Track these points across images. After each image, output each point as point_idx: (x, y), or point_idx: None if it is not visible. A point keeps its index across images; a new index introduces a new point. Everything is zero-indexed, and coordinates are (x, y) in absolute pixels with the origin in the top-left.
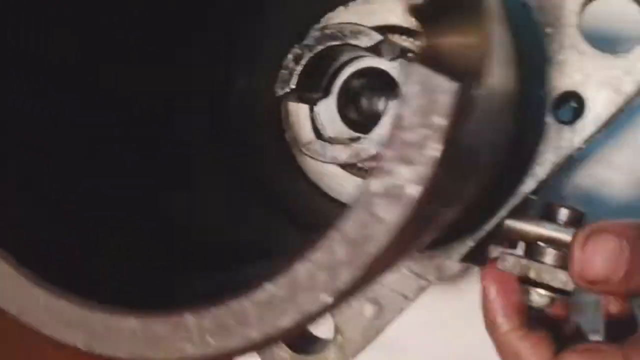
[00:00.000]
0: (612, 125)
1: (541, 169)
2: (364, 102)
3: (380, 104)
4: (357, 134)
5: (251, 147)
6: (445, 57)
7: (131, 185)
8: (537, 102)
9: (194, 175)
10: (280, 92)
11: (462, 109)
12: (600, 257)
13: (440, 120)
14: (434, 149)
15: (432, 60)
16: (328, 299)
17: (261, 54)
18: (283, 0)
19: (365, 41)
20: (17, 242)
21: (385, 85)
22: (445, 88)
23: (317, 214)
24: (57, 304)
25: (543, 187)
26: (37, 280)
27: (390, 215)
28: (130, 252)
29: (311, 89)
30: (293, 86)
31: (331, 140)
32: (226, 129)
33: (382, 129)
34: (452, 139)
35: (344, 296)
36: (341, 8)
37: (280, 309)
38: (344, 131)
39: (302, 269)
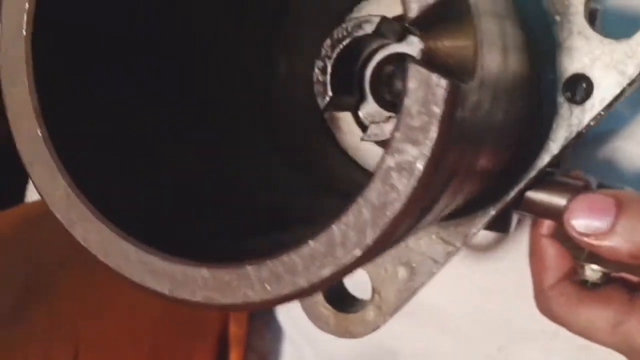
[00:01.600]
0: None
1: (555, 145)
2: (395, 84)
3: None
4: (390, 113)
5: (292, 126)
6: (440, 57)
7: (202, 158)
8: (549, 84)
9: (245, 150)
10: (322, 105)
11: (454, 99)
12: None
13: (437, 109)
14: (434, 131)
15: (429, 60)
16: (358, 253)
17: (300, 42)
18: None
19: (368, 28)
20: (117, 210)
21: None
22: (439, 83)
23: (353, 184)
24: (147, 258)
25: (557, 161)
26: (131, 240)
27: (403, 185)
28: (204, 216)
29: (346, 92)
30: (331, 94)
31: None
32: (269, 113)
33: None
34: (449, 122)
35: (371, 251)
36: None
37: (321, 261)
38: (382, 113)
39: (336, 229)
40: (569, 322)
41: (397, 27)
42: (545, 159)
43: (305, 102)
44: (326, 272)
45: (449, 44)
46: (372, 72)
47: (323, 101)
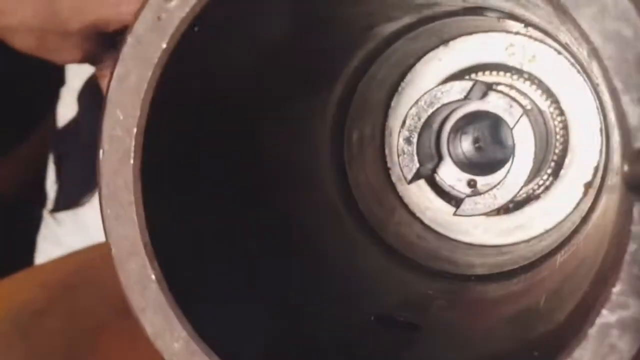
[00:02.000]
0: None
1: None
2: (472, 145)
3: (487, 141)
4: (471, 176)
5: (359, 184)
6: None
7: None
8: None
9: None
10: (409, 177)
11: None
12: None
13: None
14: None
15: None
16: None
17: (369, 106)
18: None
19: (458, 93)
20: None
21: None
22: None
23: (424, 250)
24: None
25: None
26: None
27: (627, 345)
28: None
29: (427, 159)
30: (417, 165)
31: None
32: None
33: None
34: None
35: None
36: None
37: None
38: (461, 176)
39: None
40: None
41: (484, 88)
42: None
43: (374, 163)
44: None
45: None
46: (449, 133)
47: (410, 173)
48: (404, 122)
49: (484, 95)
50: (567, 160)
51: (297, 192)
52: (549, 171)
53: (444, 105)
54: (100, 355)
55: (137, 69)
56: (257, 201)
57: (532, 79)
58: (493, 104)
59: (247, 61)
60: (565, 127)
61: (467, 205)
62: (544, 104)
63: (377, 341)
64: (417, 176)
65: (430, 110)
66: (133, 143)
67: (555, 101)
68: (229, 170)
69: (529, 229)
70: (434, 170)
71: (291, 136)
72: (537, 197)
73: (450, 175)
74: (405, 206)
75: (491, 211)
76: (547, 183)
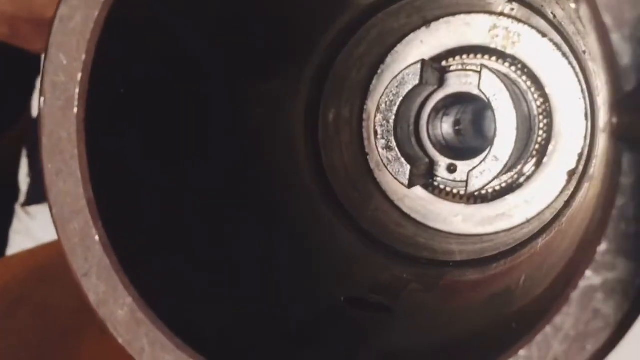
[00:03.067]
0: None
1: None
2: (452, 128)
3: (467, 124)
4: (451, 160)
5: (335, 167)
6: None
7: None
8: None
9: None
10: (406, 182)
11: None
12: None
13: None
14: None
15: (634, 140)
16: None
17: (347, 86)
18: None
19: (413, 79)
20: (198, 334)
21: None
22: None
23: (402, 237)
24: None
25: None
26: None
27: (613, 310)
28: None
29: (415, 158)
30: (409, 166)
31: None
32: (318, 159)
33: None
34: None
35: None
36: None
37: None
38: (441, 160)
39: None
40: None
41: (436, 71)
42: None
43: (352, 148)
44: None
45: None
46: (427, 125)
47: (405, 177)
48: (375, 133)
49: (442, 79)
50: (550, 147)
51: (268, 168)
52: (532, 160)
53: (405, 97)
54: (71, 352)
55: (82, 8)
56: (222, 172)
57: (515, 62)
58: (472, 84)
59: (209, 23)
60: (549, 113)
61: (475, 180)
62: (527, 88)
63: (345, 322)
64: (413, 180)
65: (394, 109)
66: (77, 90)
67: (539, 87)
68: (188, 134)
69: (510, 218)
70: (432, 175)
71: (264, 111)
72: (519, 185)
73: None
74: (383, 193)
75: (500, 173)
76: (529, 172)
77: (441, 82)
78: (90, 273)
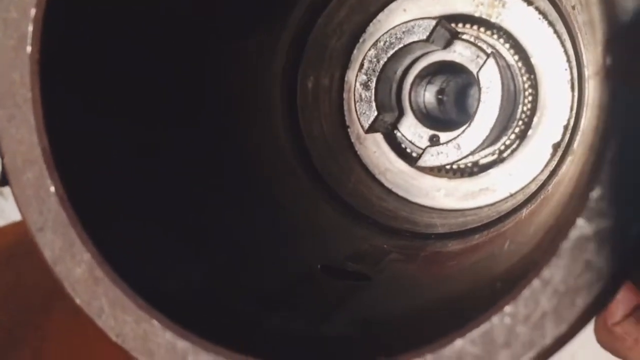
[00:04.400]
0: None
1: None
2: (434, 97)
3: (451, 95)
4: (433, 132)
5: (314, 138)
6: None
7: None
8: None
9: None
10: (366, 126)
11: None
12: None
13: None
14: None
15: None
16: (531, 356)
17: (327, 55)
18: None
19: (421, 33)
20: (159, 293)
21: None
22: None
23: (383, 210)
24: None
25: None
26: (184, 333)
27: (606, 262)
28: (262, 285)
29: (386, 109)
30: (376, 113)
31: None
32: (296, 129)
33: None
34: None
35: (549, 352)
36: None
37: None
38: (422, 132)
39: (498, 322)
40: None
41: (448, 33)
42: None
43: (331, 120)
44: None
45: None
46: (412, 81)
47: (367, 121)
48: (361, 65)
49: (449, 42)
50: (535, 119)
51: (244, 135)
52: (517, 131)
53: (405, 46)
54: (42, 331)
55: None
56: (196, 136)
57: (500, 32)
58: (460, 54)
59: None
60: (534, 84)
61: (428, 156)
62: (513, 60)
63: (319, 290)
64: (374, 127)
65: (391, 52)
66: (31, 28)
67: (524, 57)
68: (157, 90)
69: (494, 192)
70: (395, 126)
71: (240, 73)
72: (503, 159)
73: (410, 129)
74: (364, 167)
75: (454, 162)
76: (514, 145)
77: (447, 46)
78: (45, 227)
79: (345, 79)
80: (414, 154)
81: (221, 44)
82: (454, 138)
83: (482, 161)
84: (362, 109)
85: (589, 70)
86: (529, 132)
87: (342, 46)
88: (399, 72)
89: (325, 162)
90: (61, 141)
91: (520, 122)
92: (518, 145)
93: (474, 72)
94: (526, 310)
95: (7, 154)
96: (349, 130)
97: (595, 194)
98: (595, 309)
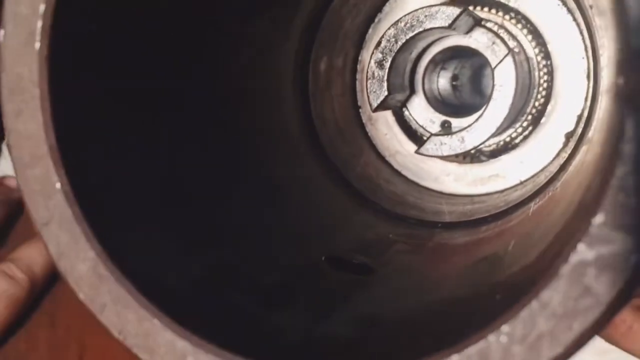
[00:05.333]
0: None
1: None
2: (449, 83)
3: (465, 80)
4: (445, 117)
5: (325, 120)
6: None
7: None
8: None
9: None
10: (375, 104)
11: None
12: None
13: None
14: None
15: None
16: None
17: (341, 35)
18: None
19: (442, 20)
20: (161, 293)
21: (466, 60)
22: None
23: (391, 194)
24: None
25: None
26: (184, 333)
27: (605, 288)
28: (264, 282)
29: (398, 89)
30: (386, 92)
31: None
32: (307, 111)
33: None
34: None
35: None
36: None
37: None
38: (434, 114)
39: (495, 341)
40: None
41: (472, 20)
42: None
43: (343, 101)
44: None
45: None
46: (426, 66)
47: (377, 100)
48: (378, 43)
49: (471, 29)
50: (549, 107)
51: (253, 119)
52: (529, 118)
53: (425, 30)
54: (54, 297)
55: None
56: (203, 122)
57: (519, 17)
58: (476, 40)
59: None
60: (550, 72)
61: (432, 145)
62: (530, 47)
63: (325, 283)
64: (383, 105)
65: (410, 34)
66: (40, 23)
67: (541, 43)
68: (165, 80)
69: (504, 179)
70: (404, 104)
71: (250, 56)
72: (515, 146)
73: (422, 114)
74: (374, 148)
75: (456, 155)
76: (526, 132)
77: (469, 31)
78: (50, 223)
79: (360, 58)
80: (425, 138)
81: (232, 26)
82: (460, 131)
83: (493, 147)
84: (372, 87)
85: (603, 86)
86: (542, 120)
87: (357, 26)
88: (414, 54)
89: (335, 144)
90: (68, 137)
91: (534, 110)
92: (530, 133)
93: (490, 61)
94: (523, 330)
95: (14, 148)
96: (360, 110)
97: (597, 220)
98: (592, 333)
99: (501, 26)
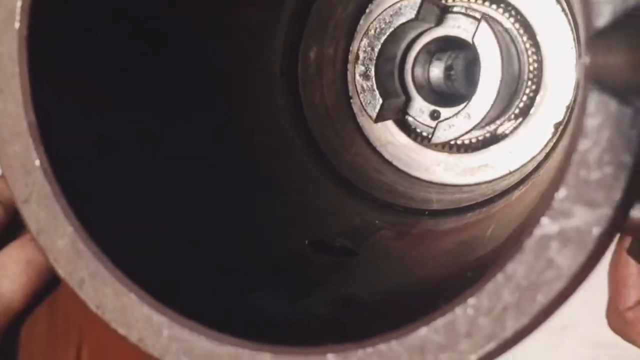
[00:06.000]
0: None
1: None
2: (442, 73)
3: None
4: (434, 107)
5: (315, 109)
6: (617, 78)
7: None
8: None
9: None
10: (374, 115)
11: None
12: None
13: (628, 158)
14: (619, 189)
15: (606, 82)
16: (491, 348)
17: (331, 25)
18: None
19: (409, 12)
20: (139, 268)
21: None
22: (633, 121)
23: (381, 184)
24: (184, 334)
25: None
26: (162, 307)
27: (567, 261)
28: (244, 257)
29: (392, 95)
30: (381, 100)
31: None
32: (296, 99)
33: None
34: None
35: (508, 346)
36: None
37: (435, 356)
38: (424, 107)
39: (462, 314)
40: None
41: (437, 8)
42: None
43: (334, 90)
44: None
45: (625, 58)
46: (413, 64)
47: (374, 110)
48: (357, 57)
49: (441, 18)
50: (538, 98)
51: (241, 105)
52: (518, 110)
53: (396, 29)
54: (63, 290)
55: None
56: (189, 108)
57: (509, 9)
58: (451, 27)
59: None
60: (539, 63)
61: (442, 131)
62: (509, 22)
63: (306, 264)
64: (383, 114)
65: (383, 38)
66: (19, 3)
67: (531, 35)
68: (148, 63)
69: (493, 169)
70: (404, 111)
71: (238, 43)
72: (504, 136)
73: (412, 105)
74: (365, 138)
75: (468, 132)
76: (516, 123)
77: (439, 22)
78: (30, 200)
79: (350, 49)
80: (418, 130)
81: (220, 13)
82: (463, 109)
83: (482, 137)
84: (366, 100)
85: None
86: (532, 111)
87: (348, 16)
88: (398, 55)
89: (325, 133)
90: (47, 116)
91: (523, 101)
92: (520, 124)
93: (470, 40)
94: (489, 303)
95: None
96: (351, 101)
97: (560, 194)
98: (556, 306)
99: (473, 9)
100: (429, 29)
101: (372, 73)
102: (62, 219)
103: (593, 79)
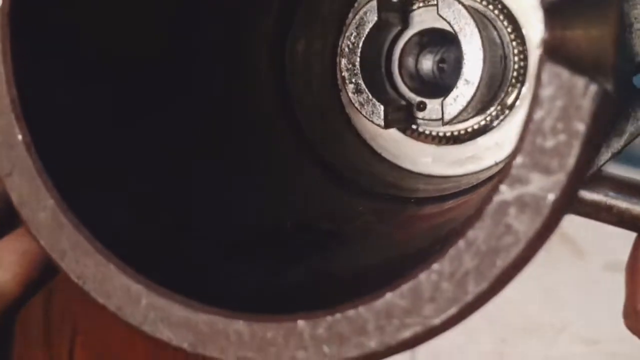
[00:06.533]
0: None
1: (618, 141)
2: (434, 65)
3: (428, 62)
4: (421, 98)
5: (302, 100)
6: (573, 51)
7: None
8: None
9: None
10: (383, 124)
11: (603, 111)
12: None
13: (582, 126)
14: (574, 156)
15: (563, 55)
16: (453, 312)
17: (317, 18)
18: None
19: (371, 18)
20: (118, 239)
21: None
22: (587, 91)
23: (369, 175)
24: (161, 302)
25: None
26: (141, 278)
27: (524, 226)
28: (226, 236)
29: (390, 102)
30: (382, 107)
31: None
32: (284, 88)
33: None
34: (593, 144)
35: (470, 310)
36: None
37: (401, 320)
38: (410, 97)
39: (425, 279)
40: None
41: (396, 7)
42: (606, 156)
43: (322, 81)
44: (407, 333)
45: (581, 32)
46: (399, 68)
47: (380, 119)
48: (343, 79)
49: (405, 14)
50: (524, 90)
51: (228, 92)
52: (505, 101)
53: (367, 39)
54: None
55: None
56: (174, 90)
57: (495, 2)
58: (421, 21)
59: None
60: (525, 55)
61: (449, 107)
62: (481, 5)
63: (286, 241)
64: (390, 120)
65: (359, 51)
66: None
67: (516, 28)
68: (132, 42)
69: (480, 160)
70: (412, 116)
71: (224, 29)
72: (491, 128)
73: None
74: (354, 131)
75: (472, 97)
76: (502, 115)
77: (405, 22)
78: (13, 173)
79: (339, 43)
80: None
81: (205, 5)
82: (454, 89)
83: (471, 129)
84: (368, 112)
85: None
86: (517, 103)
87: (337, 10)
88: (382, 63)
89: (314, 125)
90: (30, 91)
91: (510, 91)
92: (506, 116)
93: (447, 25)
94: (451, 268)
95: None
96: (340, 93)
97: (517, 161)
98: (515, 270)
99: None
100: (401, 31)
101: (363, 86)
102: (44, 192)
103: (549, 51)
